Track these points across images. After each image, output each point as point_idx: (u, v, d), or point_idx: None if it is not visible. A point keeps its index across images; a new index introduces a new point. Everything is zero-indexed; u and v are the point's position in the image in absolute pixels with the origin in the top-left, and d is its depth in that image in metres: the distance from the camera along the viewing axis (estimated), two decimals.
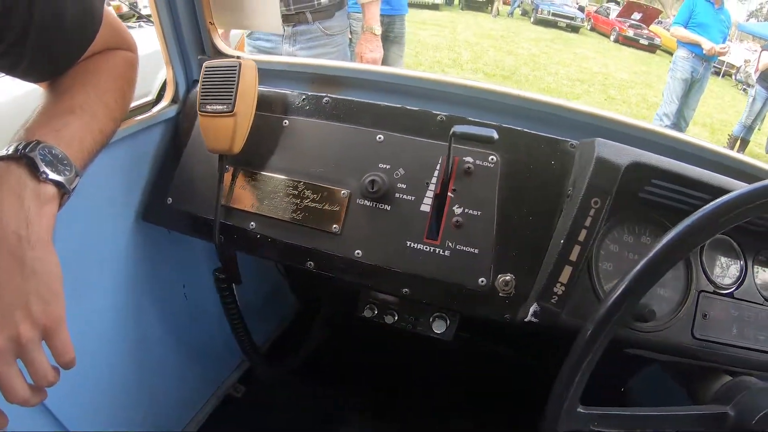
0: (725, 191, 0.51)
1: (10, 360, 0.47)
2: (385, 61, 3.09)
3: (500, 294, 0.67)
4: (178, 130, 0.90)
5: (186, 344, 1.13)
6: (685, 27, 3.92)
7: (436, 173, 0.70)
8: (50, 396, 0.52)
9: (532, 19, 14.47)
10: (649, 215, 0.69)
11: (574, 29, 13.64)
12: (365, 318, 0.84)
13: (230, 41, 1.88)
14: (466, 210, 0.69)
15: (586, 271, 0.65)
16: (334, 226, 0.73)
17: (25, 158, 0.51)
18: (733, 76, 11.22)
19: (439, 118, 0.73)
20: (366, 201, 0.72)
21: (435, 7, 14.70)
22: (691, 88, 4.08)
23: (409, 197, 0.71)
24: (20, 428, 0.70)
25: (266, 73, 0.86)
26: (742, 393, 0.58)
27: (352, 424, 1.27)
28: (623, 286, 0.50)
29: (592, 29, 14.36)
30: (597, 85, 7.76)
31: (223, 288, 0.89)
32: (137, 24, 3.94)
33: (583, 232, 0.61)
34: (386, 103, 0.76)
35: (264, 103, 0.82)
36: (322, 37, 1.92)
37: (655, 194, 0.66)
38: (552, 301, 0.62)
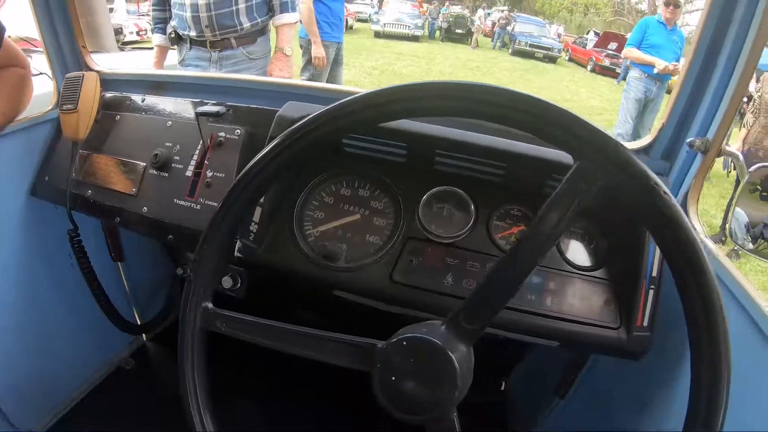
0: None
1: None
2: (332, 80, 3.49)
3: None
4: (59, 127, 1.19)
5: (78, 315, 1.36)
6: (638, 48, 4.06)
7: (199, 147, 0.95)
8: None
9: (510, 51, 15.02)
10: (364, 171, 0.79)
11: (552, 60, 14.19)
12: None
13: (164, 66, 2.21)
14: (215, 173, 0.93)
15: (290, 217, 0.78)
16: (133, 189, 0.99)
17: None
18: None
19: (215, 108, 0.97)
20: (153, 170, 0.98)
21: (415, 38, 15.30)
22: (645, 108, 4.19)
23: (179, 166, 0.96)
24: None
25: (130, 83, 1.15)
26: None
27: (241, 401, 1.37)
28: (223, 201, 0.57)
29: (570, 60, 14.84)
30: None
31: (76, 248, 1.15)
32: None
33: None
34: (176, 98, 1.02)
35: (109, 103, 1.10)
36: (246, 61, 2.15)
37: (354, 147, 0.76)
38: (249, 237, 0.76)
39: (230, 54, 2.13)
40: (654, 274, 0.73)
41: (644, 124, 4.24)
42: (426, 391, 0.47)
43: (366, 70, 9.41)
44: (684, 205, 0.80)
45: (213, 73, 1.07)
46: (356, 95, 0.50)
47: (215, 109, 0.90)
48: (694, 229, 0.66)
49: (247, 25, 2.09)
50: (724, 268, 0.68)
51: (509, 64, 12.86)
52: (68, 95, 1.05)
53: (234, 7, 2.03)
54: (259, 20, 2.12)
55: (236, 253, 0.77)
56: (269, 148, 0.53)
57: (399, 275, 0.73)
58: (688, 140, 0.78)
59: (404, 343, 0.48)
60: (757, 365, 0.60)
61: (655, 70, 3.99)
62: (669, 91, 3.21)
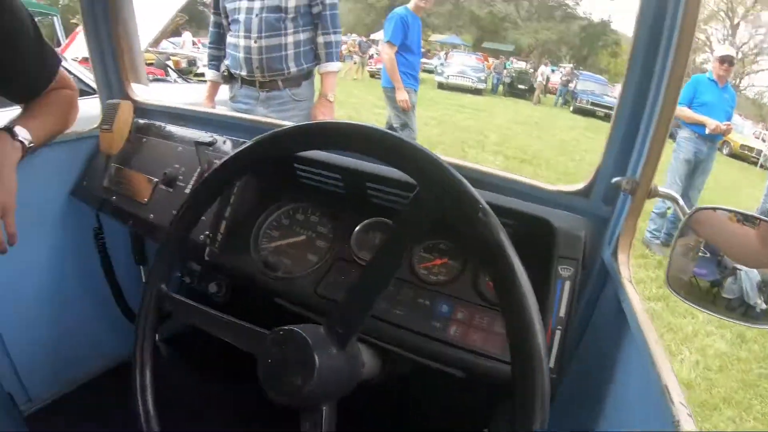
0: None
1: None
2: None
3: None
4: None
5: (98, 306, 1.54)
6: (689, 107, 3.95)
7: (198, 169, 1.13)
8: None
9: (571, 108, 15.06)
10: (317, 200, 0.94)
11: None
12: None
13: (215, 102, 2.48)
14: None
15: (250, 232, 0.95)
16: (145, 199, 1.18)
17: (8, 130, 0.95)
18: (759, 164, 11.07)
19: (209, 138, 1.16)
20: (162, 185, 1.17)
21: (477, 92, 15.71)
22: (695, 170, 4.08)
23: (182, 184, 1.14)
24: None
25: (159, 112, 1.37)
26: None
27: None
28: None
29: None
30: None
31: (99, 245, 1.35)
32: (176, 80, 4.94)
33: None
34: (188, 128, 1.22)
35: (140, 127, 1.32)
36: (291, 102, 2.39)
37: (308, 178, 0.92)
38: (215, 246, 0.94)
39: (277, 95, 2.37)
40: (561, 314, 0.73)
41: (695, 185, 4.14)
42: (292, 379, 0.54)
43: (424, 120, 9.51)
44: (615, 250, 0.79)
45: (221, 111, 1.29)
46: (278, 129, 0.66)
47: (209, 139, 1.12)
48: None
49: (294, 69, 2.33)
50: (636, 318, 0.65)
51: (569, 122, 12.92)
52: (107, 118, 1.28)
53: (283, 53, 2.28)
54: (305, 66, 2.35)
55: (205, 257, 0.94)
56: (218, 163, 0.72)
57: (322, 289, 0.85)
58: (613, 180, 0.78)
59: (281, 333, 0.56)
60: None
61: (707, 130, 3.89)
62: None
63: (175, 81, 4.85)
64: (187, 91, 4.17)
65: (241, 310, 0.75)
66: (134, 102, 1.36)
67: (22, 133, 0.96)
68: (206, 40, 2.69)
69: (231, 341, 0.64)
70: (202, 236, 0.98)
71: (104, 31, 1.35)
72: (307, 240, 0.92)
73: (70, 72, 1.34)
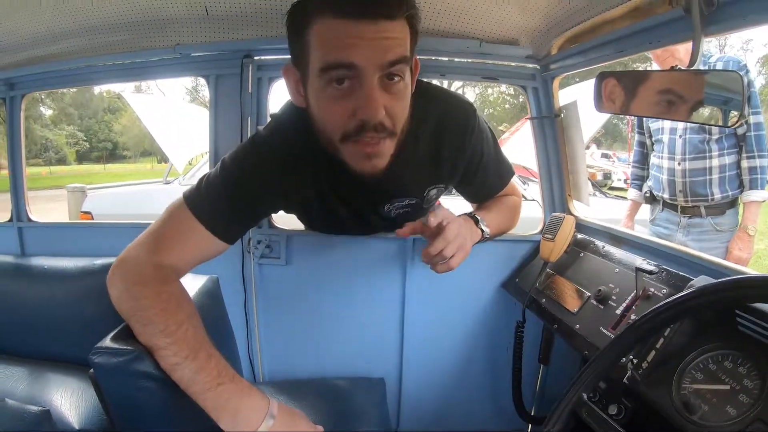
0: None
1: (457, 252, 1.06)
2: None
3: None
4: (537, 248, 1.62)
5: (493, 382, 1.73)
6: None
7: (632, 294, 1.13)
8: None
9: None
10: (748, 351, 0.84)
11: None
12: None
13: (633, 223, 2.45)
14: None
15: (676, 368, 0.88)
16: (575, 309, 1.26)
17: (474, 219, 1.22)
18: None
19: (650, 266, 1.14)
20: (593, 301, 1.22)
21: None
22: None
23: (614, 304, 1.17)
24: None
25: (598, 231, 1.48)
26: None
27: None
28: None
29: None
30: None
31: (517, 337, 1.51)
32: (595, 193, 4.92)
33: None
34: (627, 252, 1.25)
35: (579, 242, 1.45)
36: (712, 231, 2.20)
37: (748, 327, 0.83)
38: (639, 372, 0.91)
39: (698, 222, 2.23)
40: None
41: None
42: None
43: None
44: None
45: (659, 241, 1.27)
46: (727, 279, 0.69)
47: (650, 267, 1.11)
48: None
49: (718, 196, 2.16)
50: None
51: None
52: (550, 228, 1.45)
53: (707, 177, 2.15)
54: (729, 193, 2.16)
55: (624, 380, 0.94)
56: (656, 307, 0.76)
57: None
58: None
59: None
60: None
61: None
62: None
63: (594, 194, 5.06)
64: (606, 206, 4.28)
65: None
66: (576, 218, 1.50)
67: (483, 224, 1.20)
68: (622, 154, 2.75)
69: None
70: (624, 359, 0.98)
71: (553, 151, 1.58)
72: (731, 391, 0.83)
73: None
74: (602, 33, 1.23)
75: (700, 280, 0.98)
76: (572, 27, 1.28)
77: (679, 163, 2.19)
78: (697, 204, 2.20)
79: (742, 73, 1.97)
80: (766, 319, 0.82)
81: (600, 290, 1.22)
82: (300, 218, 1.34)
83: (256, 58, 1.50)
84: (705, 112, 1.13)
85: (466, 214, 1.22)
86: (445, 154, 1.13)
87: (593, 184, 5.38)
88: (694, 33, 0.93)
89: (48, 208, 9.18)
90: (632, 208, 2.58)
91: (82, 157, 31.96)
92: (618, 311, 1.15)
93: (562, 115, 1.53)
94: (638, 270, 1.12)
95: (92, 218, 4.00)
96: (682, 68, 1.03)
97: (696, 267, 1.13)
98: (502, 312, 1.65)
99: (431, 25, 1.38)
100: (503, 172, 1.32)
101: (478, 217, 1.20)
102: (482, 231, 1.19)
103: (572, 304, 1.29)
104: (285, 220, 1.54)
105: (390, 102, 0.90)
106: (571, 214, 1.54)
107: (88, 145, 31.94)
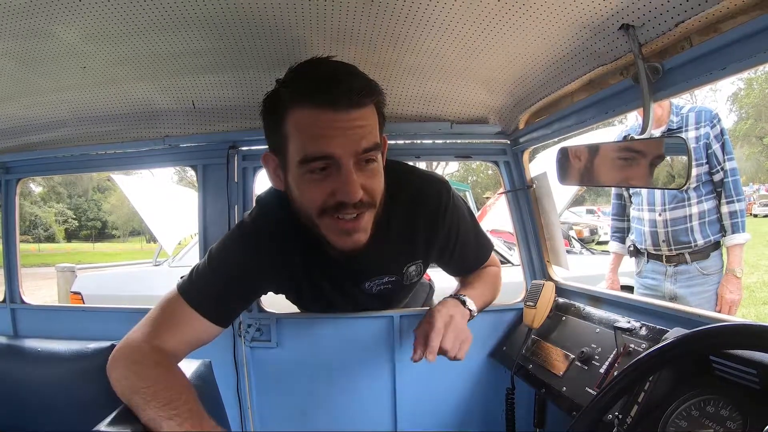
0: None
1: (455, 345, 1.13)
2: None
3: None
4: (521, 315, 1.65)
5: None
6: None
7: (614, 352, 1.16)
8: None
9: None
10: (727, 393, 0.86)
11: None
12: None
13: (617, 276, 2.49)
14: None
15: (659, 418, 0.91)
16: (560, 372, 1.28)
17: (461, 300, 1.27)
18: None
19: (627, 324, 1.19)
20: (578, 362, 1.25)
21: None
22: None
23: (597, 363, 1.19)
24: None
25: (577, 293, 1.52)
26: None
27: None
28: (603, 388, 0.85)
29: None
30: None
31: (507, 404, 1.52)
32: (581, 251, 5.01)
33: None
34: (608, 312, 1.30)
35: (560, 306, 1.49)
36: (699, 276, 2.26)
37: (722, 370, 0.87)
38: (623, 427, 0.94)
39: (684, 269, 2.30)
40: None
41: None
42: None
43: None
44: None
45: (637, 297, 1.32)
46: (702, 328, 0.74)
47: (627, 325, 1.17)
48: None
49: (700, 241, 2.25)
50: None
51: None
52: (532, 296, 1.50)
53: (689, 224, 2.24)
54: (711, 237, 2.25)
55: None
56: (627, 366, 0.82)
57: None
58: None
59: None
60: None
61: None
62: None
63: (580, 252, 5.14)
64: (593, 263, 4.36)
65: None
66: (555, 282, 1.55)
67: (470, 304, 1.25)
68: (606, 208, 2.85)
69: None
70: (610, 416, 1.00)
71: (528, 221, 1.65)
72: None
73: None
74: (564, 106, 1.34)
75: (674, 333, 1.03)
76: (536, 102, 1.38)
77: (660, 214, 2.28)
78: (681, 251, 2.27)
79: (709, 126, 2.11)
80: (740, 362, 0.86)
81: (583, 351, 1.25)
82: (289, 298, 1.38)
83: (241, 148, 1.60)
84: (659, 177, 1.22)
85: (451, 296, 1.28)
86: (419, 231, 1.19)
87: (580, 242, 5.48)
88: (643, 100, 0.99)
89: (38, 285, 9.08)
90: (615, 261, 2.64)
91: (71, 235, 31.91)
92: (602, 370, 1.18)
93: (534, 186, 1.62)
94: (616, 328, 1.18)
95: (82, 299, 3.96)
96: (636, 137, 1.11)
97: (672, 318, 1.17)
98: (492, 380, 1.65)
99: (404, 110, 1.50)
100: (482, 247, 1.38)
101: (465, 299, 1.26)
102: (470, 312, 1.24)
103: (558, 367, 1.31)
104: (274, 303, 1.57)
105: (366, 180, 0.98)
106: (551, 280, 1.59)
107: (77, 223, 32.02)
